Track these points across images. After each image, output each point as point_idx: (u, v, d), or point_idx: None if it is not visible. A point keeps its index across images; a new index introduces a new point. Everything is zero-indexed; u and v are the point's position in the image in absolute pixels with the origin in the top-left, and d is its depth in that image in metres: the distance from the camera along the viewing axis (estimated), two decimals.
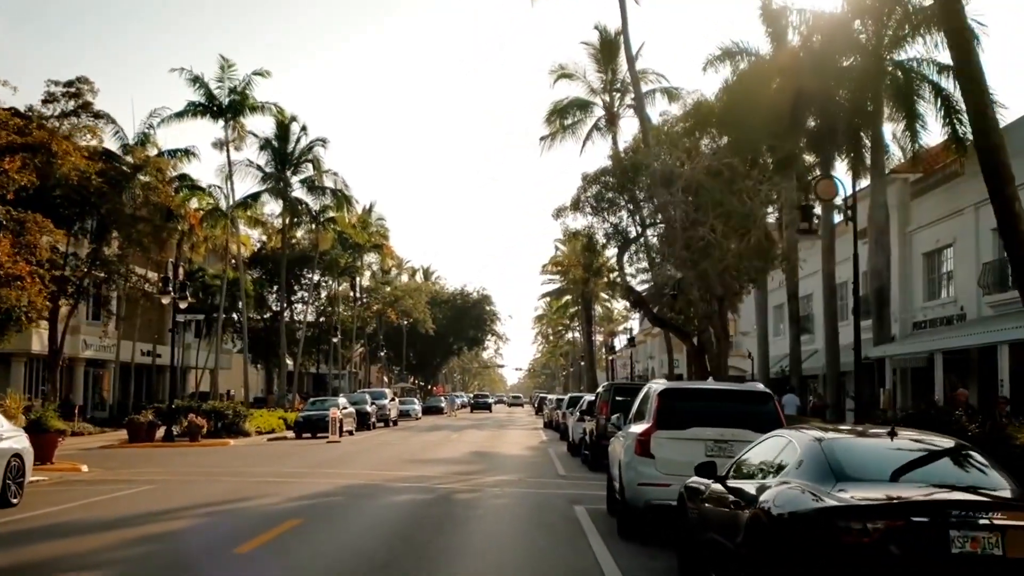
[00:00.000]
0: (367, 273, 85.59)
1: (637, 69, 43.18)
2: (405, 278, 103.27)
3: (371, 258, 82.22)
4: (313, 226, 62.80)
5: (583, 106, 50.92)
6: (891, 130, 33.55)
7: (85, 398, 51.82)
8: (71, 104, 39.96)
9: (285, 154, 56.68)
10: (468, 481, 21.89)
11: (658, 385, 13.92)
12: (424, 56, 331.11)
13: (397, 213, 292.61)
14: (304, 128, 57.53)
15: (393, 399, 61.40)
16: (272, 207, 61.20)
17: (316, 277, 71.02)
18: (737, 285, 30.40)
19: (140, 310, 52.27)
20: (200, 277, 58.30)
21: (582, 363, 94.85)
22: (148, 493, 18.49)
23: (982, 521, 6.62)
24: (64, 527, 13.86)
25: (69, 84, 40.11)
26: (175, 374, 61.34)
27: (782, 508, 7.30)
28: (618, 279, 38.87)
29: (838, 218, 31.61)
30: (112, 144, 45.15)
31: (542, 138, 51.36)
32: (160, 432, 36.72)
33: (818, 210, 29.57)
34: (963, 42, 16.46)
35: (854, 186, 29.36)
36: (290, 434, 42.62)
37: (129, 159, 42.90)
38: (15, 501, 16.33)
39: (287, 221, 59.85)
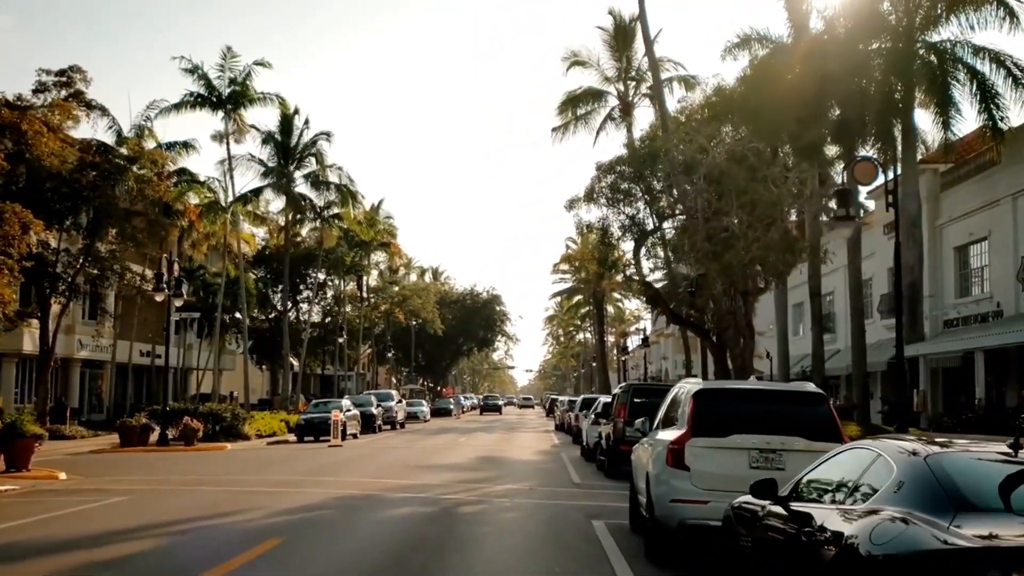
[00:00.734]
0: (374, 272, 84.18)
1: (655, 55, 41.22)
2: (414, 277, 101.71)
3: (379, 257, 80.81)
4: (317, 223, 61.08)
5: (597, 95, 49.25)
6: (920, 118, 31.92)
7: (81, 400, 50.23)
8: (62, 93, 38.49)
9: (288, 148, 55.00)
10: (475, 491, 20.06)
11: (692, 385, 12.03)
12: (424, 56, 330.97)
13: (402, 213, 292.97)
14: (307, 122, 56.07)
15: (400, 401, 59.68)
16: (276, 204, 59.72)
17: (321, 276, 69.38)
18: (763, 279, 28.51)
19: (138, 309, 50.63)
20: (201, 275, 56.66)
21: (593, 364, 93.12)
22: (119, 506, 16.68)
23: None
24: (4, 550, 12.10)
25: (61, 73, 38.65)
26: (176, 375, 60.03)
27: (886, 547, 5.42)
28: (634, 274, 37.03)
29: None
30: (108, 138, 43.69)
31: (554, 129, 49.78)
32: (154, 436, 35.19)
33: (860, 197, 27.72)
34: None
35: (891, 173, 27.49)
36: (291, 437, 41.02)
37: (123, 151, 41.16)
38: None
39: (290, 217, 58.13)
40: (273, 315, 66.26)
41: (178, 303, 37.32)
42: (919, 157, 32.82)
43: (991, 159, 31.77)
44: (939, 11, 30.32)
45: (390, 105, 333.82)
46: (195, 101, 49.26)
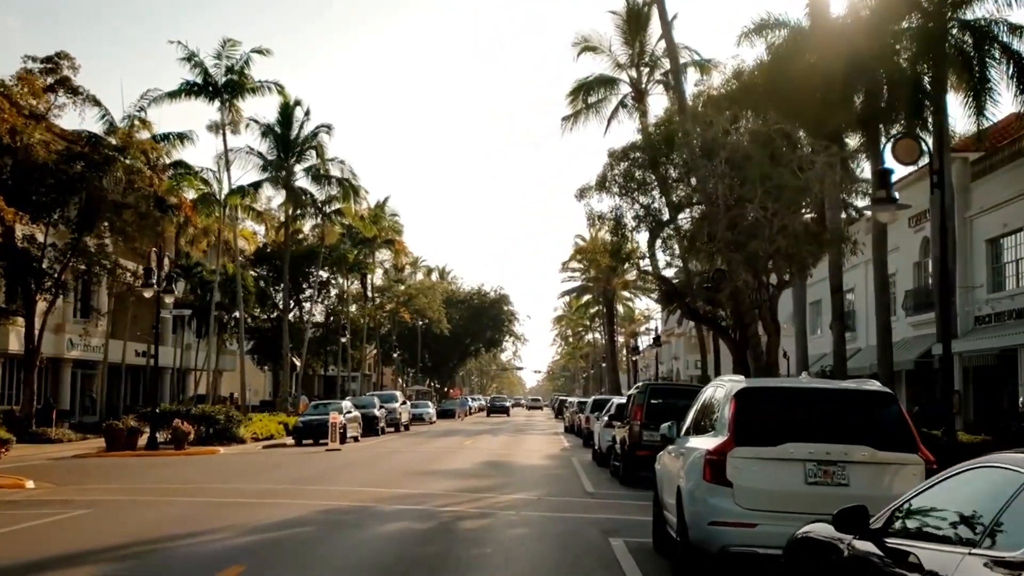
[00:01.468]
0: (379, 271, 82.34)
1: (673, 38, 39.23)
2: (420, 276, 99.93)
3: (383, 255, 78.98)
4: (319, 219, 59.22)
5: (608, 82, 47.30)
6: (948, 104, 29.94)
7: (72, 402, 48.41)
8: (49, 80, 36.79)
9: (288, 141, 53.08)
10: (478, 501, 18.18)
11: (732, 383, 10.05)
12: (424, 56, 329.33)
13: (405, 212, 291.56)
14: (308, 113, 54.04)
15: (404, 402, 57.85)
16: (276, 201, 57.92)
17: (324, 274, 67.51)
18: (788, 272, 26.54)
19: (131, 307, 48.77)
20: (198, 273, 54.82)
21: (603, 364, 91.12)
22: (75, 522, 14.80)
23: None
24: None
25: (47, 60, 36.96)
26: (174, 376, 58.34)
27: None
28: (648, 267, 35.10)
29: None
30: (101, 129, 41.94)
31: (564, 118, 47.83)
32: (143, 439, 33.40)
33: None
34: None
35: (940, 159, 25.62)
36: (290, 440, 39.09)
37: (112, 140, 39.36)
38: None
39: (290, 212, 56.26)
40: (274, 314, 64.39)
41: (169, 300, 35.56)
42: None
43: None
44: None
45: (390, 105, 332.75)
46: (191, 90, 47.42)
